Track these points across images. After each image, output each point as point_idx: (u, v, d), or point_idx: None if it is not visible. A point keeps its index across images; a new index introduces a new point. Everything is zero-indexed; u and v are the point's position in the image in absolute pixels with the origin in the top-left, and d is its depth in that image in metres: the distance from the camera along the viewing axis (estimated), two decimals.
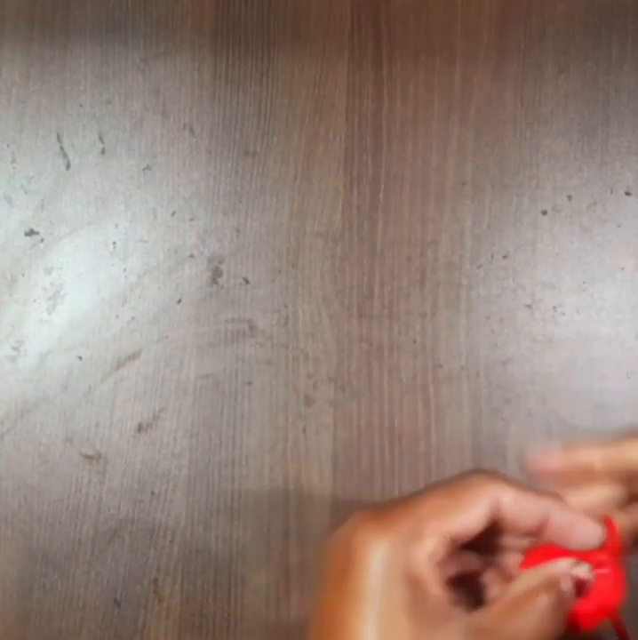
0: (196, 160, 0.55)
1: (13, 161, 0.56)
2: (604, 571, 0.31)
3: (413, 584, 0.27)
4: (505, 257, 0.53)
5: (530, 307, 0.53)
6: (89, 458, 0.53)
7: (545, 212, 0.54)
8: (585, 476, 0.32)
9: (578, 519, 0.30)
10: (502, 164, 0.54)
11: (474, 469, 0.31)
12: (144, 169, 0.55)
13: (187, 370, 0.53)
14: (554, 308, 0.53)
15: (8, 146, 0.56)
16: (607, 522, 0.31)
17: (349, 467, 0.52)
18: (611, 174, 0.54)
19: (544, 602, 0.29)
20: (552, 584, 0.29)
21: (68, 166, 0.56)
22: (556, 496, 0.31)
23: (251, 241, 0.54)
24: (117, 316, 0.54)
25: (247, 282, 0.54)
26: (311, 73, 0.55)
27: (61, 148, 0.56)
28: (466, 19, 0.56)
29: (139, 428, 0.53)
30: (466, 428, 0.52)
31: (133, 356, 0.53)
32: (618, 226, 0.53)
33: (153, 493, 0.52)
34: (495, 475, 0.30)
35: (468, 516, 0.29)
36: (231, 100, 0.56)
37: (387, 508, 0.29)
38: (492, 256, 0.54)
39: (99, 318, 0.54)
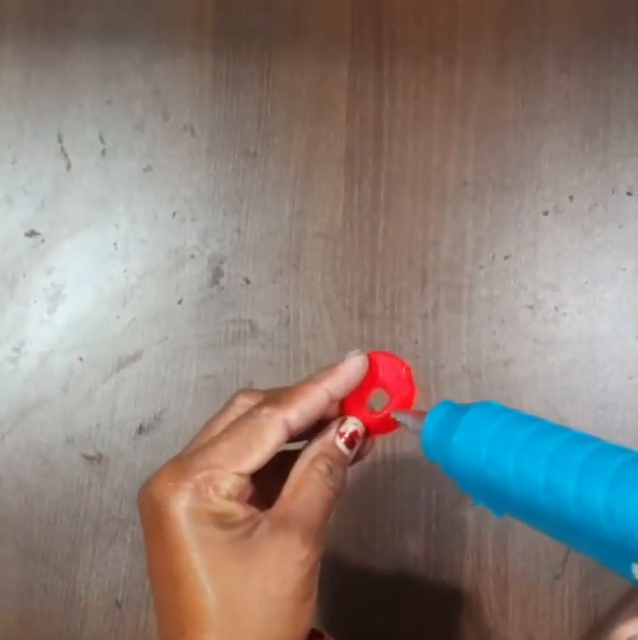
0: (197, 161, 0.55)
1: (14, 162, 0.56)
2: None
3: (216, 520, 0.30)
4: (506, 258, 0.53)
5: (531, 307, 0.53)
6: (90, 459, 0.53)
7: (546, 213, 0.54)
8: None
9: (343, 369, 0.34)
10: (503, 164, 0.54)
11: (243, 391, 0.34)
12: (144, 170, 0.55)
13: (187, 370, 0.53)
14: (556, 308, 0.53)
15: (9, 147, 0.56)
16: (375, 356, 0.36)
17: (350, 467, 0.52)
18: (613, 175, 0.54)
19: (319, 472, 0.33)
20: (323, 454, 0.34)
21: (69, 167, 0.55)
22: (322, 372, 0.34)
23: (251, 241, 0.54)
24: (118, 317, 0.54)
25: (248, 282, 0.54)
26: (312, 74, 0.55)
27: (62, 149, 0.56)
28: (467, 19, 0.56)
29: (140, 429, 0.53)
30: None
31: (134, 357, 0.53)
32: (620, 226, 0.53)
33: None
34: (271, 397, 0.33)
35: (259, 451, 0.32)
36: (232, 100, 0.56)
37: (185, 458, 0.32)
38: (494, 257, 0.53)
39: (99, 319, 0.54)
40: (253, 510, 0.32)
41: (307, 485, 0.33)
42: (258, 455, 0.32)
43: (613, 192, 0.54)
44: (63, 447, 0.53)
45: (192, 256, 0.54)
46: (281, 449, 0.33)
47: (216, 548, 0.30)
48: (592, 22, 0.55)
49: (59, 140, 0.56)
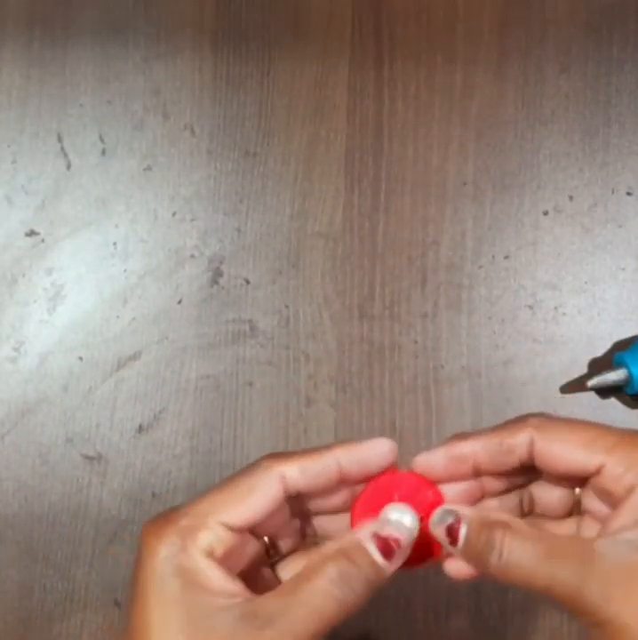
0: (197, 160, 0.55)
1: (14, 161, 0.56)
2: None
3: (186, 577, 0.27)
4: (506, 257, 0.53)
5: (531, 307, 0.53)
6: (89, 459, 0.53)
7: (546, 213, 0.54)
8: (469, 470, 0.31)
9: (362, 446, 0.31)
10: (503, 164, 0.54)
11: (263, 456, 0.31)
12: (145, 169, 0.55)
13: (187, 370, 0.53)
14: (556, 308, 0.53)
15: (8, 146, 0.56)
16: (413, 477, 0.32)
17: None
18: (613, 175, 0.54)
19: (327, 576, 0.27)
20: (342, 553, 0.28)
21: (69, 167, 0.55)
22: (339, 443, 0.31)
23: (251, 241, 0.54)
24: (118, 317, 0.54)
25: (248, 282, 0.54)
26: (312, 73, 0.55)
27: (62, 149, 0.56)
28: (467, 19, 0.56)
29: (140, 429, 0.53)
30: (468, 428, 0.51)
31: (134, 357, 0.53)
32: (620, 226, 0.53)
33: (153, 494, 0.52)
34: (280, 454, 0.30)
35: (249, 502, 0.29)
36: (232, 100, 0.56)
37: (178, 507, 0.29)
38: (493, 257, 0.53)
39: (99, 319, 0.54)
40: (235, 588, 0.28)
41: (304, 586, 0.28)
42: (247, 507, 0.29)
43: (613, 192, 0.54)
44: (63, 447, 0.53)
45: (192, 256, 0.54)
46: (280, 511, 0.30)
47: (173, 612, 0.27)
48: (592, 22, 0.55)
49: (59, 139, 0.56)
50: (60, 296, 0.54)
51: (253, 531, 0.30)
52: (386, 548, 0.28)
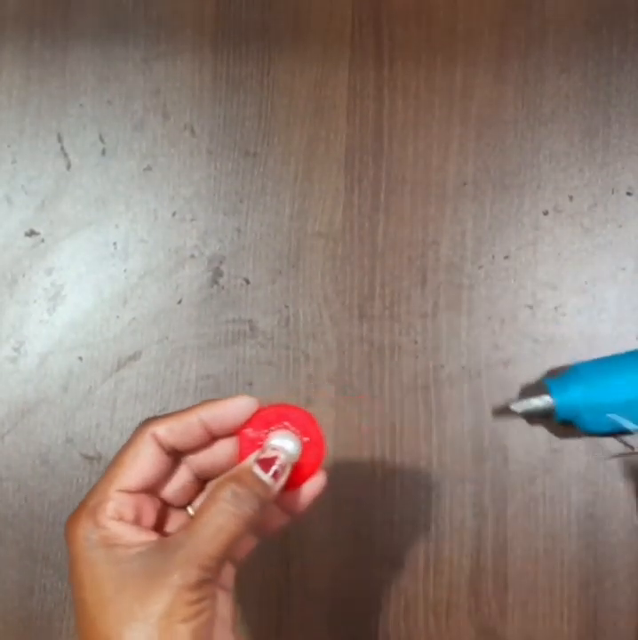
0: (197, 160, 0.55)
1: (14, 161, 0.56)
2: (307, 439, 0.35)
3: (105, 543, 0.31)
4: (506, 257, 0.53)
5: (531, 307, 0.53)
6: (89, 459, 0.53)
7: (546, 213, 0.54)
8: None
9: (222, 403, 0.34)
10: (503, 164, 0.54)
11: (142, 421, 0.35)
12: (145, 169, 0.55)
13: (187, 370, 0.53)
14: (556, 308, 0.53)
15: (8, 146, 0.56)
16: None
17: (350, 467, 0.52)
18: (613, 175, 0.54)
19: (221, 499, 0.32)
20: (232, 478, 0.33)
21: (69, 167, 0.56)
22: (204, 401, 0.34)
23: (251, 241, 0.54)
24: (118, 317, 0.54)
25: (248, 282, 0.54)
26: (312, 73, 0.55)
27: (62, 149, 0.56)
28: (467, 19, 0.56)
29: None
30: (468, 428, 0.52)
31: (134, 357, 0.53)
32: (620, 226, 0.53)
33: None
34: (155, 417, 0.34)
35: (135, 466, 0.33)
36: (232, 100, 0.56)
37: (87, 493, 0.33)
38: (493, 256, 0.53)
39: (99, 319, 0.54)
40: (150, 537, 0.32)
41: (204, 512, 0.31)
42: (133, 470, 0.33)
43: (613, 192, 0.54)
44: (63, 447, 0.53)
45: (192, 256, 0.54)
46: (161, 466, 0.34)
47: (97, 571, 0.31)
48: (592, 22, 0.55)
49: (59, 139, 0.56)
50: (60, 296, 0.54)
51: (155, 488, 0.35)
52: (268, 467, 0.33)
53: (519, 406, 0.49)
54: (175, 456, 0.35)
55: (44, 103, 0.56)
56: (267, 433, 0.35)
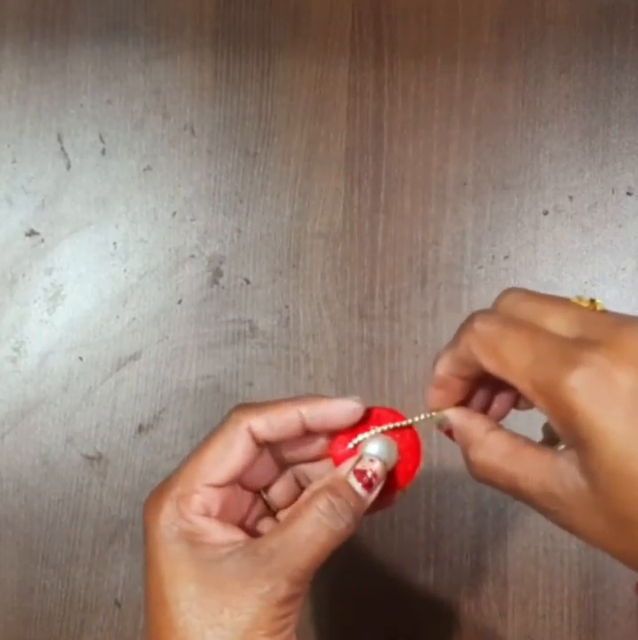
0: (197, 160, 0.55)
1: (14, 161, 0.56)
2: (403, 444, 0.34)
3: (188, 538, 0.30)
4: (506, 257, 0.53)
5: None
6: (89, 459, 0.53)
7: (546, 213, 0.54)
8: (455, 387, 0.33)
9: (328, 403, 0.32)
10: (503, 164, 0.54)
11: (234, 407, 0.33)
12: (144, 169, 0.55)
13: (187, 370, 0.53)
14: None
15: (8, 146, 0.56)
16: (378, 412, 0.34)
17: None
18: (612, 175, 0.54)
19: (317, 509, 0.30)
20: (329, 489, 0.31)
21: (69, 167, 0.55)
22: (306, 397, 0.33)
23: (251, 241, 0.54)
24: (118, 317, 0.54)
25: (248, 282, 0.54)
26: (312, 73, 0.55)
27: (62, 149, 0.56)
28: (467, 19, 0.56)
29: (140, 429, 0.53)
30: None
31: (134, 357, 0.53)
32: (620, 226, 0.53)
33: None
34: (250, 406, 0.33)
35: (226, 460, 0.32)
36: (232, 100, 0.56)
37: (166, 479, 0.32)
38: (493, 256, 0.54)
39: (99, 319, 0.54)
40: (236, 536, 0.31)
41: (297, 521, 0.31)
42: (226, 464, 0.32)
43: (613, 192, 0.54)
44: (63, 447, 0.53)
45: (192, 256, 0.54)
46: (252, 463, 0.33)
47: (182, 567, 0.30)
48: (592, 22, 0.55)
49: (59, 139, 0.56)
50: (60, 296, 0.54)
51: (243, 484, 0.33)
52: (365, 479, 0.32)
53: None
54: (264, 447, 0.34)
55: (44, 103, 0.56)
56: (363, 436, 0.33)
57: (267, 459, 0.34)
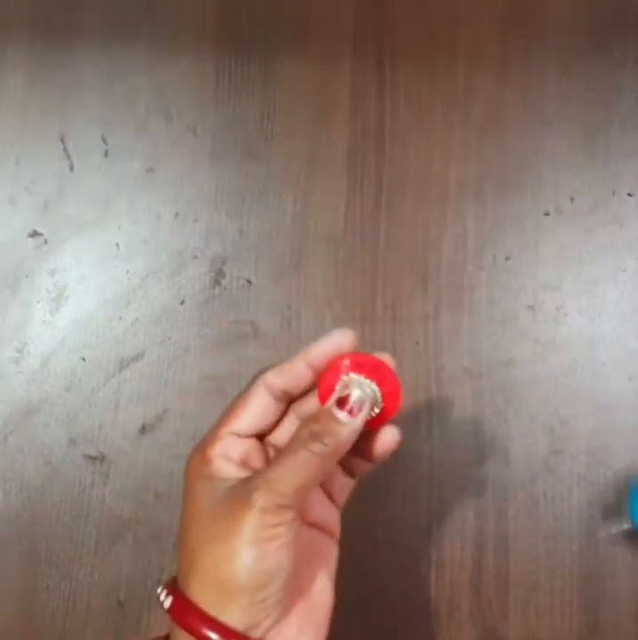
0: (200, 162, 0.55)
1: (17, 163, 0.56)
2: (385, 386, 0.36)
3: (208, 475, 0.34)
4: (507, 258, 0.54)
5: (532, 308, 0.53)
6: (92, 459, 0.53)
7: (547, 214, 0.54)
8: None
9: (321, 340, 0.35)
10: (504, 166, 0.54)
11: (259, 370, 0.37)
12: (147, 171, 0.56)
13: (190, 371, 0.53)
14: (557, 309, 0.53)
15: (12, 147, 0.56)
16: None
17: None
18: (613, 176, 0.54)
19: (299, 438, 0.33)
20: (311, 418, 0.34)
21: (72, 168, 0.56)
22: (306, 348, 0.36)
23: (254, 243, 0.55)
24: (121, 318, 0.54)
25: (250, 283, 0.54)
26: (314, 76, 0.56)
27: (65, 150, 0.56)
28: (469, 22, 0.56)
29: (143, 430, 0.53)
30: (469, 429, 0.52)
31: (137, 358, 0.54)
32: (620, 227, 0.53)
33: (156, 494, 0.52)
34: (270, 366, 0.36)
35: (246, 410, 0.35)
36: (234, 102, 0.56)
37: (207, 432, 0.36)
38: (495, 258, 0.54)
39: (102, 320, 0.54)
40: (247, 474, 0.34)
41: (285, 449, 0.33)
42: (244, 415, 0.36)
43: (614, 193, 0.54)
44: (66, 447, 0.53)
45: (194, 257, 0.55)
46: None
47: (200, 499, 0.34)
48: (593, 23, 0.55)
49: (62, 140, 0.56)
50: (63, 297, 0.54)
51: (264, 434, 0.37)
52: (344, 405, 0.34)
53: (605, 532, 0.45)
54: (286, 402, 0.37)
55: (48, 104, 0.56)
56: (346, 378, 0.35)
57: (293, 421, 0.37)
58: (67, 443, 0.53)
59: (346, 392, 0.34)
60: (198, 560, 0.33)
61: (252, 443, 0.36)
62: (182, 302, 0.54)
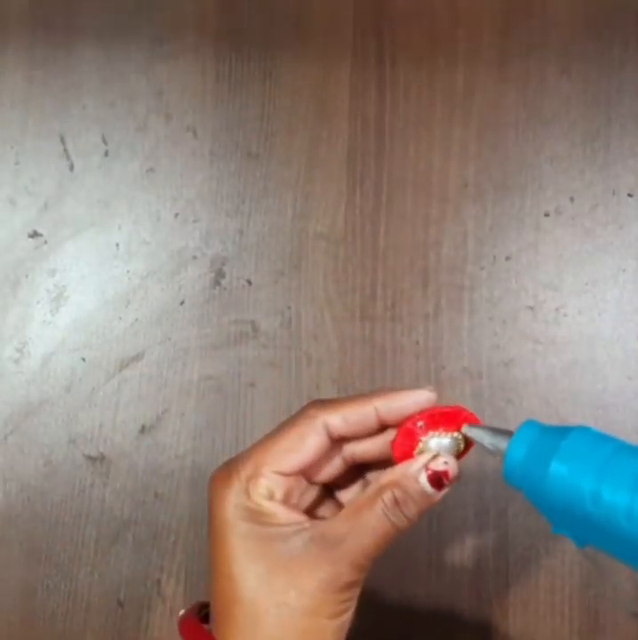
0: (199, 162, 0.55)
1: (17, 163, 0.56)
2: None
3: (254, 517, 0.32)
4: (507, 259, 0.54)
5: (532, 308, 0.53)
6: (92, 459, 0.53)
7: (547, 214, 0.54)
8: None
9: (403, 395, 0.33)
10: (504, 165, 0.54)
11: (308, 404, 0.34)
12: (147, 171, 0.56)
13: (190, 371, 0.53)
14: (557, 309, 0.53)
15: (11, 147, 0.56)
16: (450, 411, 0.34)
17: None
18: (613, 176, 0.54)
19: (383, 503, 0.31)
20: (396, 483, 0.32)
21: (72, 168, 0.56)
22: (379, 391, 0.34)
23: (253, 243, 0.55)
24: (120, 318, 0.54)
25: (250, 283, 0.54)
26: (314, 75, 0.56)
27: (65, 150, 0.56)
28: (469, 21, 0.56)
29: (143, 430, 0.53)
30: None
31: (136, 358, 0.54)
32: (620, 228, 0.53)
33: (156, 495, 0.52)
34: (324, 403, 0.34)
35: (298, 453, 0.33)
36: (234, 102, 0.56)
37: (236, 458, 0.34)
38: (495, 258, 0.54)
39: (102, 320, 0.54)
40: (300, 517, 0.33)
41: (363, 512, 0.32)
42: (297, 456, 0.33)
43: (614, 193, 0.54)
44: (66, 448, 0.53)
45: (194, 257, 0.55)
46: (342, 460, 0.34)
47: (250, 545, 0.31)
48: (593, 23, 0.55)
49: (62, 140, 0.56)
50: (63, 297, 0.54)
51: (308, 475, 0.34)
52: (436, 479, 0.32)
53: (472, 432, 0.34)
54: (340, 443, 0.34)
55: (47, 104, 0.56)
56: (431, 433, 0.33)
57: (331, 451, 0.35)
58: (67, 443, 0.53)
59: (443, 467, 0.32)
60: (237, 611, 0.31)
61: (295, 479, 0.34)
62: (182, 302, 0.54)
